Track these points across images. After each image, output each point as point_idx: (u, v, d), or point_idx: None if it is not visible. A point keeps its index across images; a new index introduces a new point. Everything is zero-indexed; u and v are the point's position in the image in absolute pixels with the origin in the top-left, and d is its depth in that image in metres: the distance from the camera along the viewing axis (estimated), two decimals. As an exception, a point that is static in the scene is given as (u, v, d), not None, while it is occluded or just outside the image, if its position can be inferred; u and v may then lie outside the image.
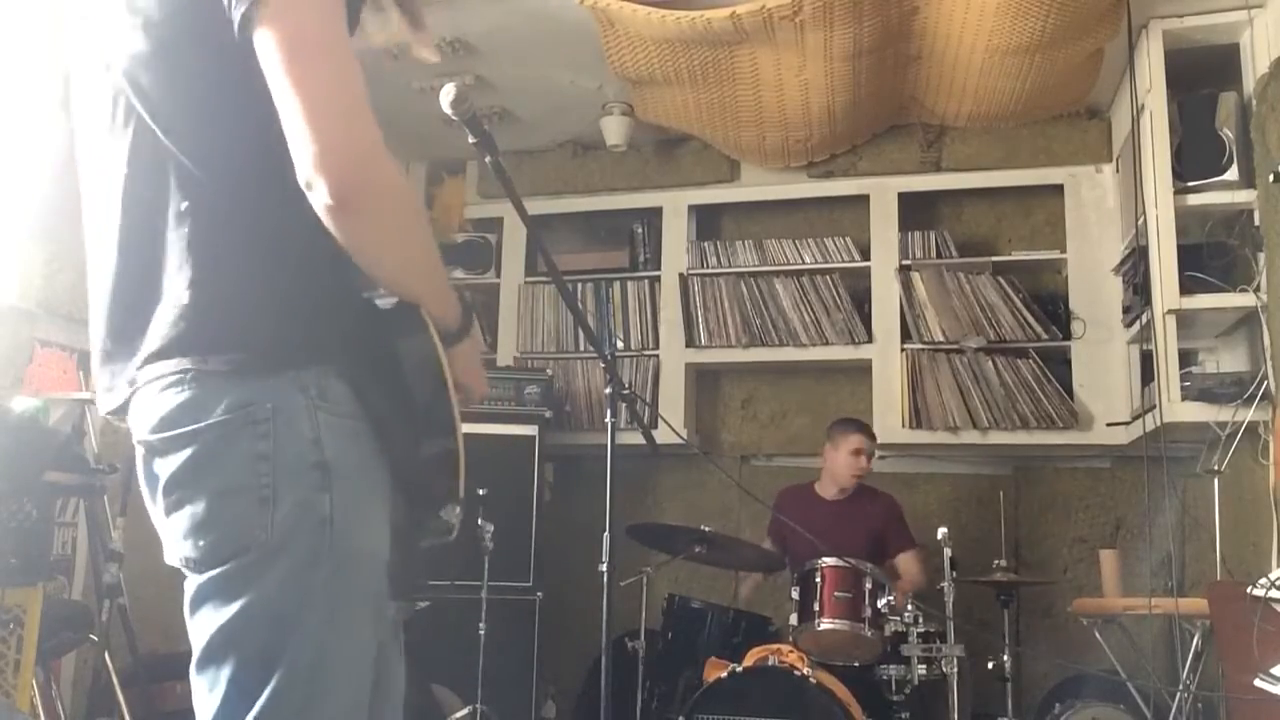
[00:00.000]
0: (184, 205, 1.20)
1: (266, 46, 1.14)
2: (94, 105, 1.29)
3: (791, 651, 3.27)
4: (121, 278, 1.24)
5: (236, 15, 1.15)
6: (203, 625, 1.17)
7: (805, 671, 3.13)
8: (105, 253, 1.27)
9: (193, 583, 1.19)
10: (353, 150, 1.14)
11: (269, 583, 1.15)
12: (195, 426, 1.16)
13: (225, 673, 1.15)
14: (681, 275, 4.75)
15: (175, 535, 1.19)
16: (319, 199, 1.13)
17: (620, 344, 4.76)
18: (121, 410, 1.26)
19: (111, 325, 1.26)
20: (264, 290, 1.20)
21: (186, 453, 1.17)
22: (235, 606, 1.15)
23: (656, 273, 4.83)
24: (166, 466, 1.19)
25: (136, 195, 1.23)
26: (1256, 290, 3.43)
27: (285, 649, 1.15)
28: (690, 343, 4.69)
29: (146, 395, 1.21)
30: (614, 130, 4.56)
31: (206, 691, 1.16)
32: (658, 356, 4.74)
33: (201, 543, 1.16)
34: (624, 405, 2.45)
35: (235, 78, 1.17)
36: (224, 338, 1.18)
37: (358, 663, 1.21)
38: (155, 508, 1.23)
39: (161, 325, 1.19)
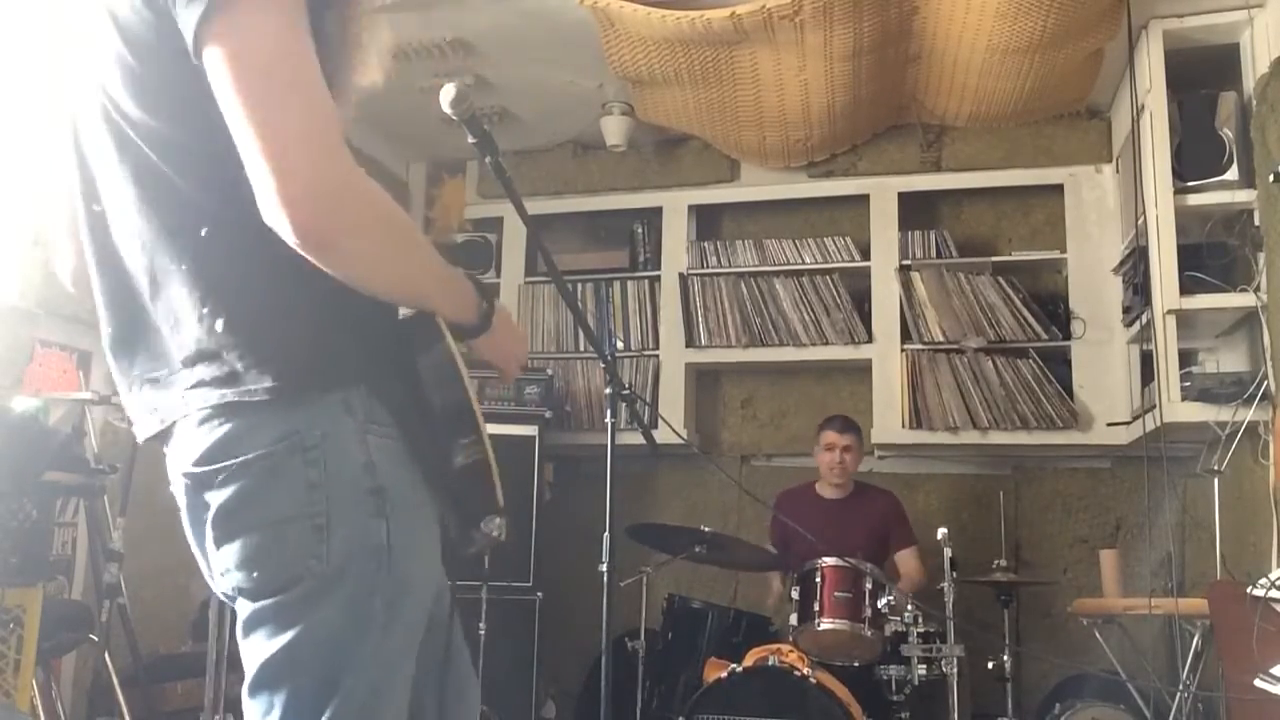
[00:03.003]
0: (204, 231, 1.16)
1: (215, 68, 1.07)
2: (90, 130, 1.25)
3: (791, 651, 3.27)
4: (146, 307, 1.21)
5: (189, 35, 1.07)
6: (256, 650, 1.16)
7: (805, 671, 3.13)
8: (121, 280, 1.23)
9: (245, 607, 1.17)
10: (315, 185, 1.06)
11: (325, 612, 1.14)
12: (245, 458, 1.14)
13: (279, 700, 1.14)
14: (681, 275, 4.75)
15: (226, 566, 1.17)
16: (286, 239, 1.08)
17: (620, 344, 4.76)
18: (162, 438, 1.24)
19: (135, 351, 1.23)
20: (292, 312, 1.17)
21: (236, 485, 1.14)
22: (290, 635, 1.14)
23: (656, 273, 4.83)
24: (216, 498, 1.16)
25: (149, 222, 1.19)
26: (1256, 290, 3.43)
27: (342, 678, 1.14)
28: (690, 343, 4.69)
29: (186, 428, 1.18)
30: (614, 130, 4.56)
31: (260, 716, 1.16)
32: (658, 356, 4.74)
33: (255, 574, 1.15)
34: (624, 405, 2.45)
35: (210, 101, 1.10)
36: (260, 363, 1.14)
37: (403, 690, 1.20)
38: (203, 540, 1.21)
39: (194, 354, 1.16)
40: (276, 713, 1.14)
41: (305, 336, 1.17)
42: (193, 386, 1.16)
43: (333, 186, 1.08)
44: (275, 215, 1.07)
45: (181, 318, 1.18)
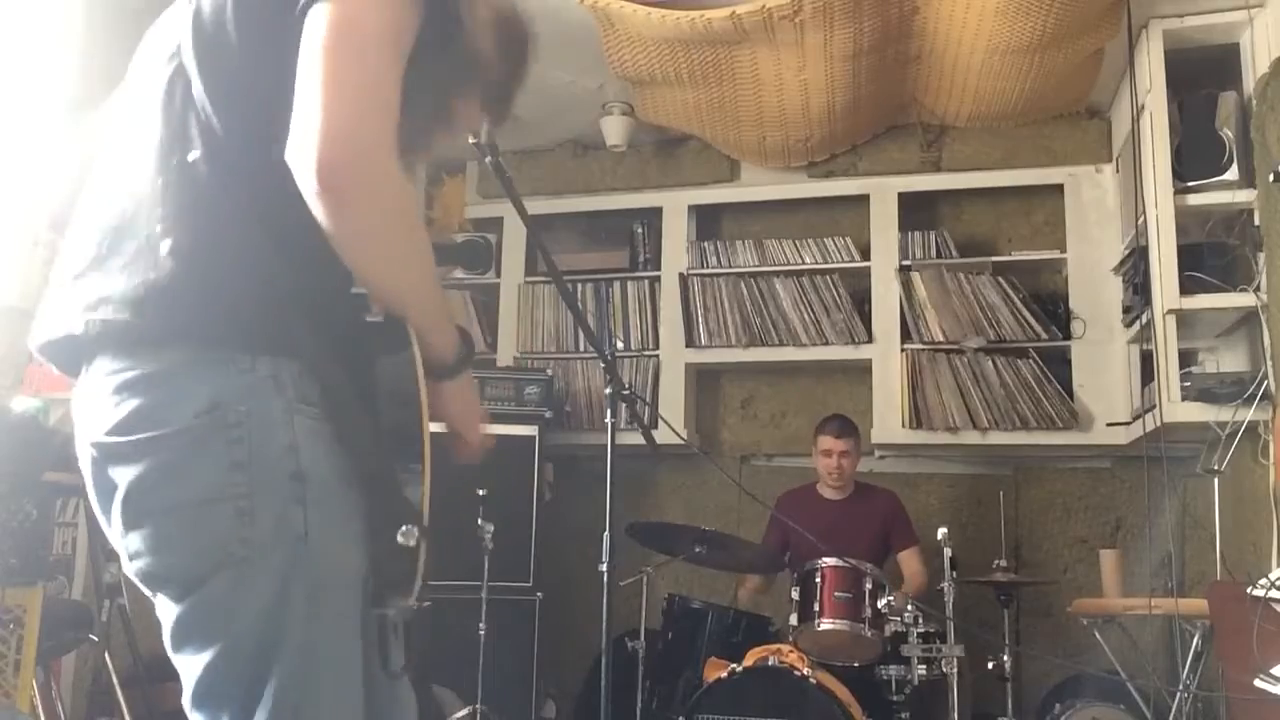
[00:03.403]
0: (192, 155, 1.14)
1: (316, 22, 1.10)
2: (151, 71, 1.24)
3: (791, 651, 3.27)
4: (104, 211, 1.18)
5: None
6: (188, 664, 1.12)
7: (805, 671, 3.12)
8: (104, 186, 1.21)
9: (167, 614, 1.13)
10: (353, 139, 1.07)
11: (247, 610, 1.09)
12: (162, 432, 1.07)
13: (225, 712, 1.11)
14: (681, 275, 4.75)
15: (136, 549, 1.11)
16: (302, 177, 1.06)
17: (620, 344, 4.76)
18: (51, 348, 1.17)
19: (81, 254, 1.18)
20: (250, 267, 1.12)
21: (151, 460, 1.08)
22: (217, 648, 1.10)
23: (656, 273, 4.83)
24: (126, 474, 1.09)
25: (151, 143, 1.18)
26: (1256, 290, 3.43)
27: (271, 674, 1.09)
28: (690, 343, 4.69)
29: (100, 390, 1.12)
30: (614, 130, 4.56)
31: None
32: (658, 356, 4.73)
33: (171, 560, 1.09)
34: (624, 405, 2.45)
35: (279, 55, 1.12)
36: (191, 301, 1.10)
37: (345, 684, 1.14)
38: (110, 518, 1.14)
39: (126, 266, 1.12)
40: None
41: (253, 294, 1.12)
42: (108, 299, 1.11)
43: (370, 149, 1.08)
44: (305, 151, 1.06)
45: (136, 231, 1.13)
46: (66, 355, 1.17)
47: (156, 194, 1.14)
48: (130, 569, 1.14)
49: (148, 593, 1.18)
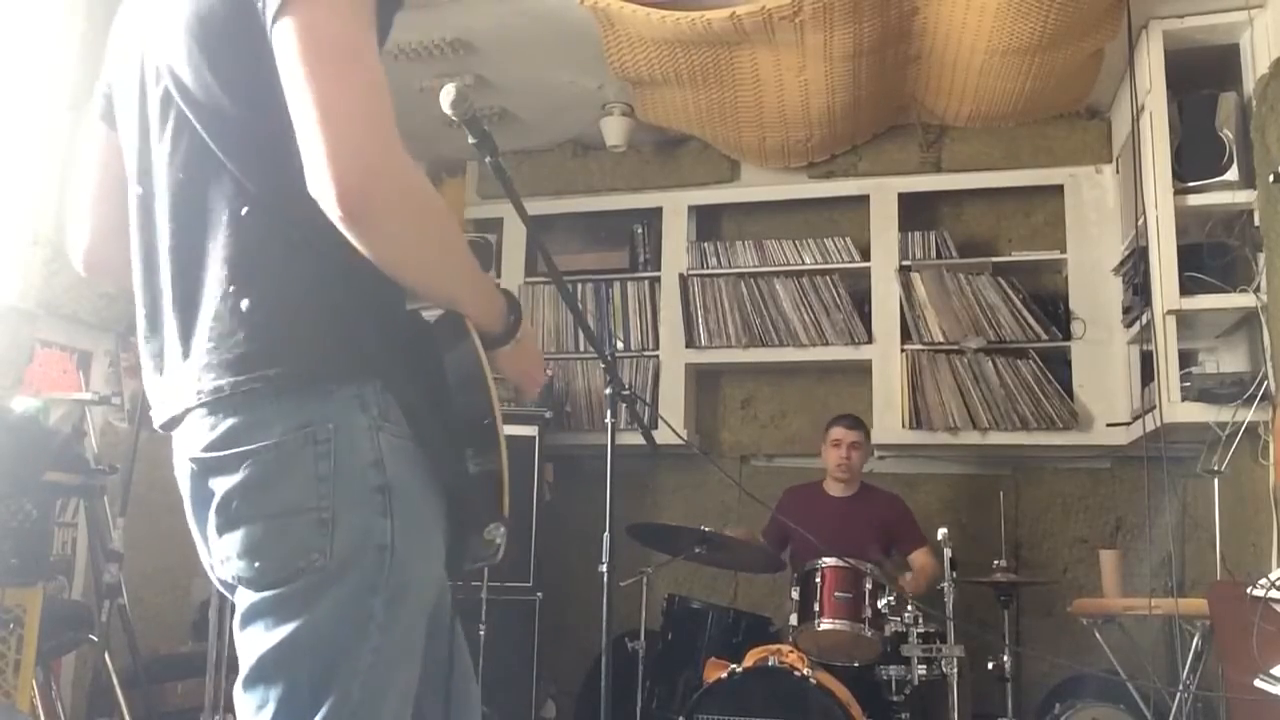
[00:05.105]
0: (243, 211, 1.17)
1: (284, 40, 1.10)
2: (138, 115, 1.26)
3: (791, 652, 3.27)
4: (173, 286, 1.22)
5: (269, 10, 1.11)
6: (253, 643, 1.15)
7: (805, 672, 3.13)
8: (153, 262, 1.24)
9: (245, 598, 1.17)
10: (365, 159, 1.07)
11: (324, 608, 1.13)
12: (254, 446, 1.13)
13: (274, 694, 1.13)
14: (681, 275, 4.75)
15: (227, 554, 1.16)
16: (328, 210, 1.08)
17: (620, 344, 4.76)
18: (174, 423, 1.23)
19: (160, 334, 1.23)
20: (317, 300, 1.17)
21: (244, 472, 1.14)
22: (288, 629, 1.13)
23: (656, 273, 4.83)
24: (221, 485, 1.16)
25: (188, 202, 1.20)
26: (1256, 290, 3.43)
27: (337, 677, 1.13)
28: (690, 343, 4.69)
29: (199, 412, 1.18)
30: (614, 130, 4.56)
31: (253, 710, 1.15)
32: (658, 357, 4.74)
33: (257, 564, 1.14)
34: (624, 405, 2.45)
35: (279, 94, 1.12)
36: (279, 349, 1.15)
37: (405, 694, 1.19)
38: (205, 525, 1.20)
39: (215, 336, 1.16)
40: (270, 708, 1.13)
41: (327, 326, 1.17)
42: (207, 367, 1.16)
43: (382, 164, 1.09)
44: (322, 183, 1.07)
45: (206, 296, 1.18)
46: (180, 421, 1.23)
47: (220, 258, 1.17)
48: (221, 573, 1.19)
49: (228, 596, 1.23)
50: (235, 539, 1.15)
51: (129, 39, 1.31)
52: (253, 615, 1.15)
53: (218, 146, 1.18)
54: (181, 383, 1.20)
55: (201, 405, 1.17)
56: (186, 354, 1.20)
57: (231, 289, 1.16)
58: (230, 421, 1.15)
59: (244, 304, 1.15)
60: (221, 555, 1.17)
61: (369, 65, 1.12)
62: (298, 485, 1.13)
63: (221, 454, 1.15)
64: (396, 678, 1.18)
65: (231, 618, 1.21)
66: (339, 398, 1.15)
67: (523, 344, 1.33)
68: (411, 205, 1.13)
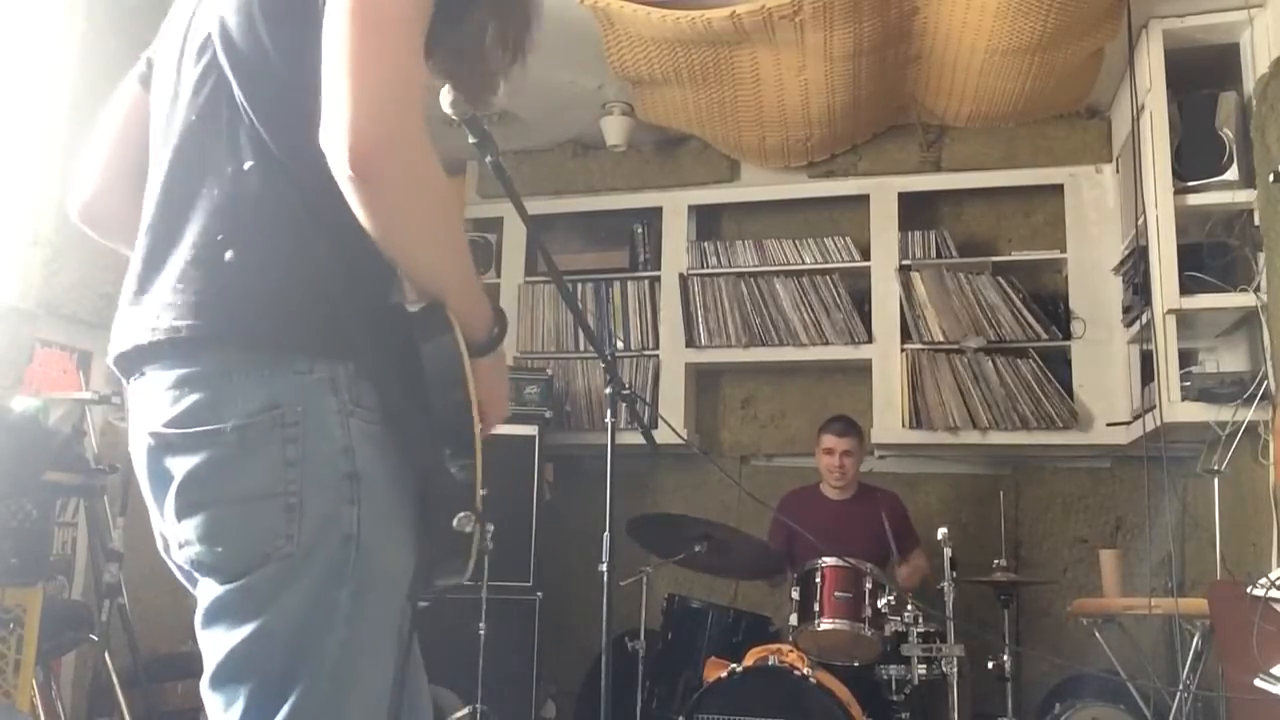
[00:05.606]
0: (247, 165, 1.15)
1: (337, 5, 1.09)
2: (175, 75, 1.25)
3: (791, 651, 3.27)
4: (156, 223, 1.20)
5: None
6: (217, 641, 1.12)
7: (805, 671, 3.13)
8: (150, 200, 1.22)
9: (207, 593, 1.13)
10: (382, 126, 1.06)
11: (289, 600, 1.09)
12: (219, 426, 1.09)
13: (244, 691, 1.10)
14: (681, 275, 4.75)
15: (187, 538, 1.12)
16: (336, 165, 1.07)
17: (620, 344, 4.76)
18: (124, 361, 1.19)
19: (142, 271, 1.20)
20: (302, 269, 1.14)
21: (207, 453, 1.10)
22: (252, 626, 1.09)
23: (656, 273, 4.83)
24: (181, 465, 1.12)
25: (196, 147, 1.19)
26: (1256, 290, 3.43)
27: (302, 670, 1.10)
28: (690, 343, 4.69)
29: (160, 383, 1.14)
30: (614, 130, 4.56)
31: (222, 710, 1.12)
32: (658, 356, 4.74)
33: (220, 549, 1.10)
34: (624, 405, 2.45)
35: (315, 54, 1.11)
36: (252, 308, 1.12)
37: (376, 688, 1.15)
38: (162, 506, 1.16)
39: (185, 278, 1.14)
40: (240, 705, 1.10)
41: (306, 296, 1.14)
42: (169, 306, 1.13)
43: (400, 134, 1.08)
44: (337, 136, 1.06)
45: (188, 238, 1.15)
46: (133, 363, 1.20)
47: (213, 204, 1.16)
48: (179, 557, 1.15)
49: (188, 586, 1.19)
50: (196, 523, 1.11)
51: (185, 6, 1.31)
52: (218, 610, 1.12)
53: (245, 94, 1.17)
54: (143, 312, 1.16)
55: (161, 372, 1.14)
56: (148, 289, 1.17)
57: (219, 238, 1.14)
58: (194, 397, 1.11)
59: (227, 254, 1.13)
60: (181, 539, 1.13)
61: (411, 40, 1.12)
62: (265, 469, 1.09)
63: (183, 431, 1.11)
64: (365, 671, 1.14)
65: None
66: (310, 378, 1.12)
67: (499, 363, 1.30)
68: (417, 182, 1.11)
